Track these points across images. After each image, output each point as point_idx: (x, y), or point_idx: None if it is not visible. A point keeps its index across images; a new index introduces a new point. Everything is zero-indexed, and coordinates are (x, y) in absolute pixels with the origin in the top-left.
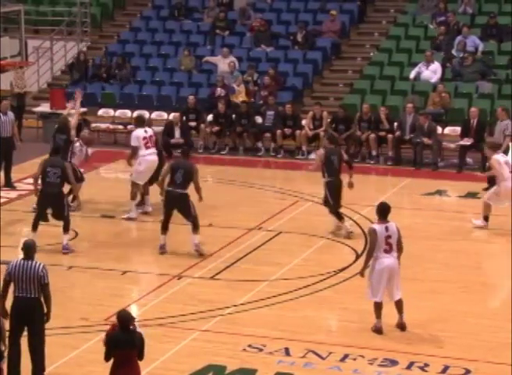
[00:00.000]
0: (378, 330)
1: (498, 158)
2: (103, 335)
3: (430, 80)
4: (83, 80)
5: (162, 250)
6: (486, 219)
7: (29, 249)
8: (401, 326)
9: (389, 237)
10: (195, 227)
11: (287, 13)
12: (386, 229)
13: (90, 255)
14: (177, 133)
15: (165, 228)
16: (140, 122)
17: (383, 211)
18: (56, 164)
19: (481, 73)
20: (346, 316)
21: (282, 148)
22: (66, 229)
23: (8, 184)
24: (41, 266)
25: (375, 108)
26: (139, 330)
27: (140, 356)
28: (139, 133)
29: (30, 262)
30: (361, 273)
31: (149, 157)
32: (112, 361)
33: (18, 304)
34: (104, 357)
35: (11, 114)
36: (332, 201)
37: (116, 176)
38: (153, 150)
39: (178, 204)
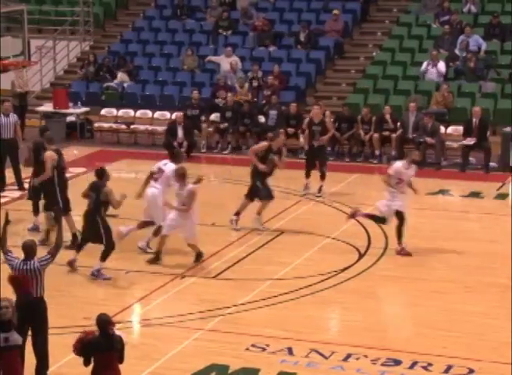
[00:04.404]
0: None
1: None
2: (78, 338)
3: (435, 79)
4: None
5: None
6: None
7: (28, 250)
8: None
9: None
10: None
11: (290, 13)
12: None
13: (93, 254)
14: (180, 132)
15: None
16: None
17: None
18: None
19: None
20: (349, 315)
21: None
22: None
23: (20, 185)
24: (37, 262)
25: (378, 108)
26: (118, 333)
27: (121, 359)
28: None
29: (29, 262)
30: None
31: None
32: (92, 365)
33: (21, 304)
34: (83, 362)
35: (13, 115)
36: None
37: (119, 176)
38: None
39: None
